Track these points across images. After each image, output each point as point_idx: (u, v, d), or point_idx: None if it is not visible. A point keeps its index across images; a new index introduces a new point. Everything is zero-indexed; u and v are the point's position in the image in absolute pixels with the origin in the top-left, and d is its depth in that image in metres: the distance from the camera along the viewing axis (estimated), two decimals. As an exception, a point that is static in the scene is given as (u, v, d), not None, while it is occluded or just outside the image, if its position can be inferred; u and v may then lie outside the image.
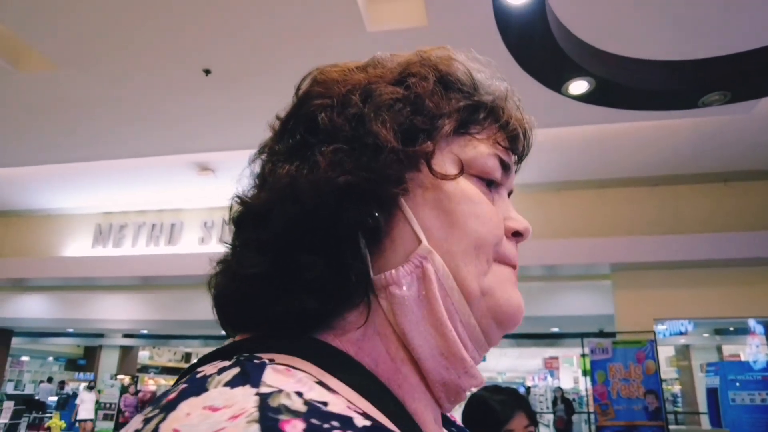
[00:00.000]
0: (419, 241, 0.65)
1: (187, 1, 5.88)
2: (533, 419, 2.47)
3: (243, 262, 0.65)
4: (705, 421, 11.96)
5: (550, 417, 16.79)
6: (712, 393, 10.04)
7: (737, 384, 9.20)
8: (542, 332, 16.89)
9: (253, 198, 0.69)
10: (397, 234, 0.65)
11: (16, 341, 18.26)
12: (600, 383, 8.78)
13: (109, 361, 23.31)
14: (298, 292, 0.61)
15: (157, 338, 22.27)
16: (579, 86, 5.96)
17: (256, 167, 0.74)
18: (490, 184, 0.71)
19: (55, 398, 19.24)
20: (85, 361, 26.75)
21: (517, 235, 0.72)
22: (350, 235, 0.62)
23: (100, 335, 21.51)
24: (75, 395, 18.98)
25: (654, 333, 8.95)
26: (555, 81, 5.84)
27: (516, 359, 30.75)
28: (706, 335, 16.71)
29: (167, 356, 29.46)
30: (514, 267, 0.71)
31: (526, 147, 0.78)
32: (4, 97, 7.87)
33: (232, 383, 0.51)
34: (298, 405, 0.48)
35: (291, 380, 0.53)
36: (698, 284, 9.12)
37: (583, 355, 9.86)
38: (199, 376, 0.54)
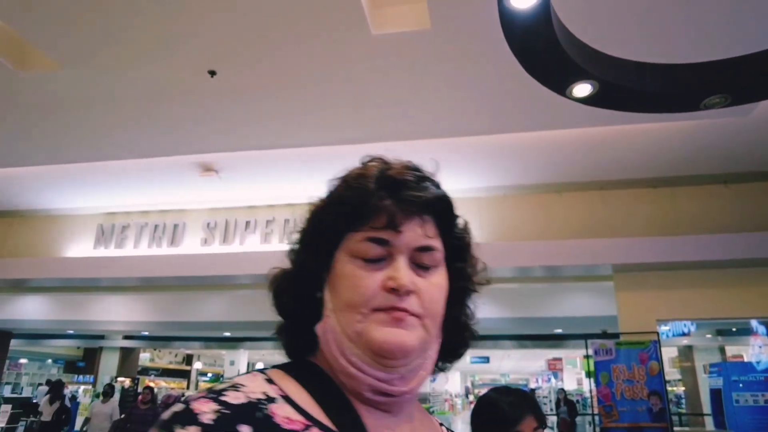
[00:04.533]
0: None
1: (192, 2, 5.90)
2: (542, 421, 2.47)
3: None
4: (709, 423, 11.94)
5: (554, 419, 16.78)
6: (715, 394, 10.04)
7: (741, 385, 9.20)
8: (545, 333, 16.90)
9: None
10: (326, 299, 1.02)
11: (14, 343, 18.11)
12: (604, 384, 8.79)
13: (109, 363, 23.24)
14: (296, 336, 1.07)
15: (158, 340, 22.27)
16: (583, 89, 5.98)
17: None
18: (376, 260, 0.98)
19: (53, 401, 19.01)
20: (85, 363, 26.73)
21: (393, 290, 0.95)
22: (310, 300, 1.04)
23: (101, 337, 21.48)
24: (74, 398, 18.86)
25: (657, 334, 8.95)
26: (559, 84, 5.86)
27: (519, 361, 30.82)
28: (708, 336, 16.73)
29: (168, 358, 29.42)
30: (393, 310, 0.95)
31: (405, 214, 1.01)
32: (7, 98, 7.88)
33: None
34: (223, 387, 0.89)
35: (248, 378, 0.93)
36: (700, 285, 9.13)
37: (587, 357, 9.85)
38: None
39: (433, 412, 19.34)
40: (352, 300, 0.96)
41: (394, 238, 0.98)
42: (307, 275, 1.04)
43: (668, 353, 17.41)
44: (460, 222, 1.10)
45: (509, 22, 4.93)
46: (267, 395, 0.89)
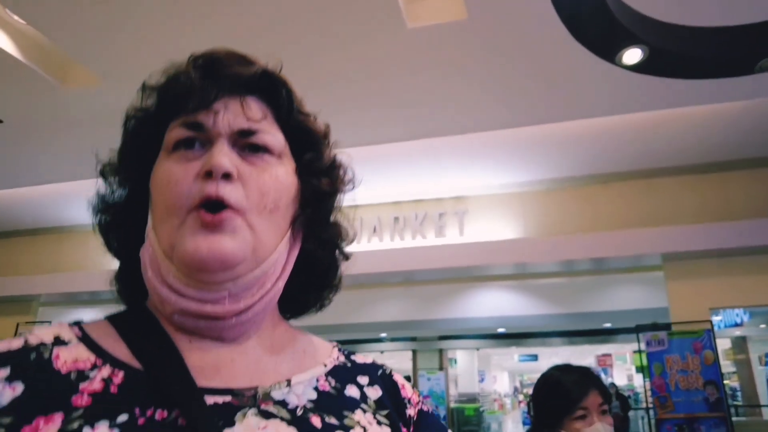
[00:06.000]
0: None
1: (229, 11, 5.90)
2: (608, 396, 2.41)
3: None
4: (767, 414, 11.70)
5: (605, 414, 16.60)
6: (772, 385, 9.82)
7: (798, 375, 8.97)
8: (595, 328, 16.71)
9: None
10: (149, 217, 0.89)
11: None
12: (657, 375, 8.61)
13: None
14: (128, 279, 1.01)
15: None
16: (633, 55, 5.84)
17: None
18: (188, 145, 0.85)
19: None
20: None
21: (208, 174, 0.80)
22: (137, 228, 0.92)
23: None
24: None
25: (711, 322, 8.74)
26: (608, 50, 5.75)
27: (568, 358, 30.46)
28: (762, 326, 16.38)
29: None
30: (208, 205, 0.80)
31: (220, 86, 0.88)
32: (50, 112, 7.95)
33: None
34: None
35: (51, 325, 0.82)
36: (754, 272, 8.90)
37: (638, 351, 9.68)
38: None
39: (482, 411, 19.21)
40: (166, 202, 0.82)
41: (207, 120, 0.84)
42: (129, 194, 0.94)
43: (721, 345, 17.06)
44: (302, 108, 0.97)
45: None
46: (58, 338, 0.78)
